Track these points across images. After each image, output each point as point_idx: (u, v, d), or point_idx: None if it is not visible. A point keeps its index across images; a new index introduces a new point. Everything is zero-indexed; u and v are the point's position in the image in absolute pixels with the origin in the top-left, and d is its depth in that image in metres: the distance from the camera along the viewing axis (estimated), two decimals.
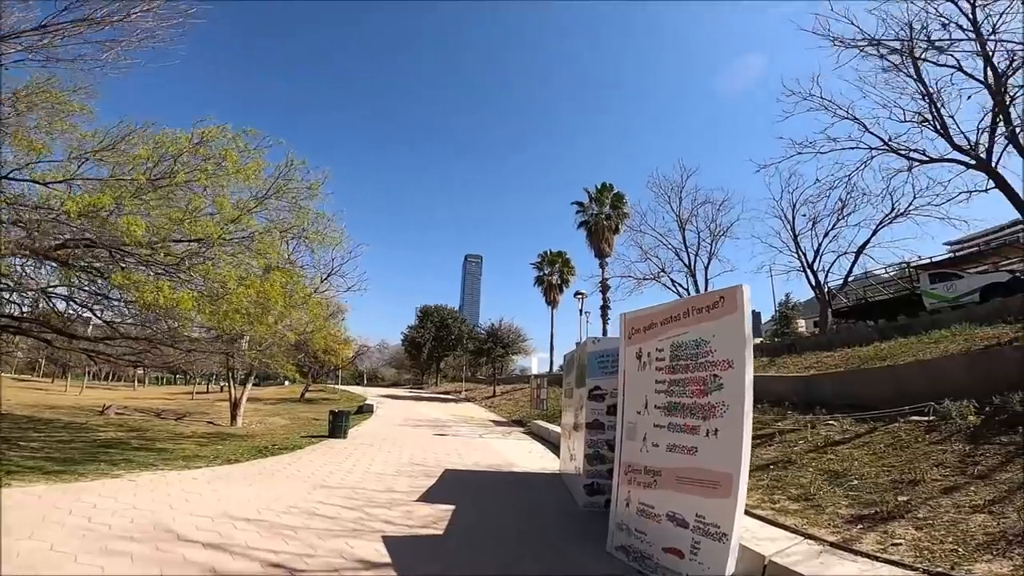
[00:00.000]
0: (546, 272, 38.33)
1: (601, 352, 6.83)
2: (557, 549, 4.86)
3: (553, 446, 12.69)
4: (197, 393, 40.53)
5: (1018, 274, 14.41)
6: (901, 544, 3.72)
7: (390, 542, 4.88)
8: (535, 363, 32.31)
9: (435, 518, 5.86)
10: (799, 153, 13.31)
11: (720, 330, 3.96)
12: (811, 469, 5.98)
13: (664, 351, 4.49)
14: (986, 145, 10.65)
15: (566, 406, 9.38)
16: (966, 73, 9.85)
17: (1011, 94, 9.32)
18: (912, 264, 18.12)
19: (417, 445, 12.64)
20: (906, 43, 9.85)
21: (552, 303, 37.38)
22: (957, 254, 16.55)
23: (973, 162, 10.98)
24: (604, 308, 30.39)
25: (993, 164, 10.65)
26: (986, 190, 11.19)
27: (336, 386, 42.39)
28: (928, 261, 17.58)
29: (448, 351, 50.14)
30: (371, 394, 36.05)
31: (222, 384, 33.96)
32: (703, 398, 3.97)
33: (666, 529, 4.04)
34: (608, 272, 29.90)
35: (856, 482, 5.17)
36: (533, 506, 6.67)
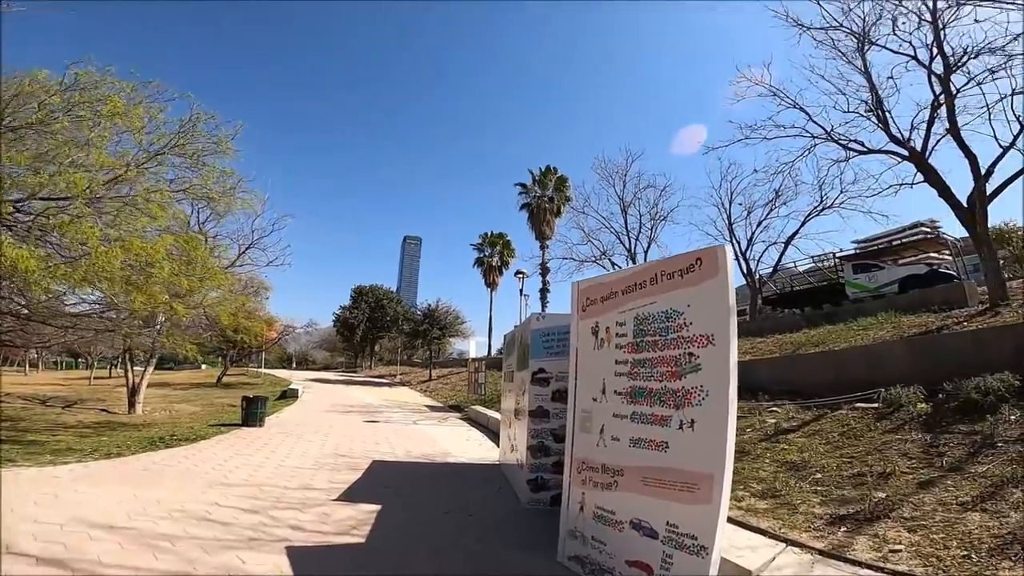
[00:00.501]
0: (486, 253, 37.63)
1: (547, 330, 6.04)
2: (500, 559, 4.04)
3: (492, 433, 11.97)
4: (96, 378, 36.22)
5: (935, 267, 15.24)
6: (901, 550, 3.21)
7: (296, 555, 3.93)
8: (473, 347, 31.52)
9: (357, 522, 4.91)
10: (747, 137, 13.27)
11: (697, 299, 3.23)
12: (767, 460, 5.55)
13: (626, 325, 3.72)
14: (922, 139, 10.90)
15: (506, 391, 8.59)
16: (918, 61, 9.90)
17: (957, 86, 9.44)
18: (836, 254, 18.91)
19: (344, 433, 11.51)
20: (865, 28, 9.79)
21: (491, 285, 36.77)
22: (864, 250, 17.41)
23: (907, 154, 11.21)
24: (544, 291, 30.09)
25: (926, 157, 10.93)
26: (912, 184, 11.53)
27: (259, 370, 39.51)
28: (852, 252, 18.38)
29: (383, 333, 48.17)
30: (298, 378, 33.93)
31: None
32: (675, 382, 3.24)
33: (630, 539, 3.31)
34: (549, 254, 29.56)
35: (819, 475, 4.74)
36: (471, 504, 5.83)
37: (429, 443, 10.66)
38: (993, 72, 9.09)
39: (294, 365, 63.97)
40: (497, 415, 11.27)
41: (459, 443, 10.88)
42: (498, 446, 9.40)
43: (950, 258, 15.80)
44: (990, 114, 9.42)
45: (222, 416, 14.45)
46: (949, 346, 6.96)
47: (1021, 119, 9.51)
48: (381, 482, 6.80)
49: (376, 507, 5.42)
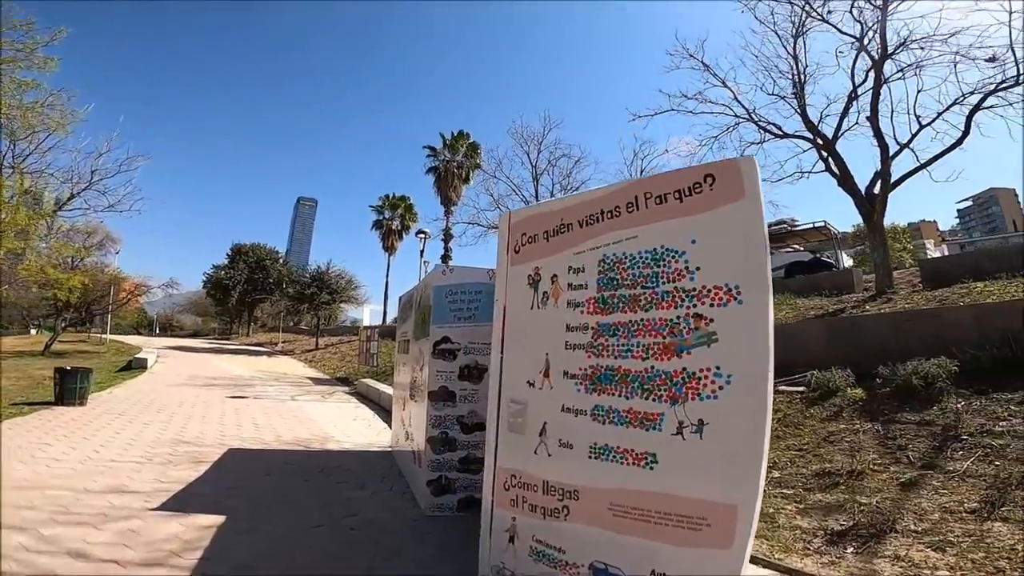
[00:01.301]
0: (386, 216, 35.09)
1: (456, 287, 4.66)
2: None
3: (384, 411, 10.36)
4: None
5: (817, 255, 16.22)
6: None
7: None
8: (367, 314, 29.12)
9: (180, 545, 3.27)
10: (673, 109, 12.82)
11: (708, 231, 2.06)
12: None
13: (586, 272, 2.46)
14: (833, 128, 11.08)
15: (399, 364, 7.09)
16: (858, 40, 9.79)
17: (886, 76, 9.47)
18: None
19: (196, 413, 9.20)
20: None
21: (390, 249, 34.43)
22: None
23: (820, 143, 11.34)
24: (445, 257, 28.51)
25: (835, 145, 11.14)
26: (809, 173, 11.84)
27: (104, 336, 33.34)
28: None
29: (265, 296, 43.27)
30: (156, 345, 29.00)
31: None
32: (670, 360, 2.05)
33: None
34: (454, 220, 28.01)
35: (777, 474, 3.98)
36: (354, 511, 4.33)
37: (307, 424, 8.84)
38: (920, 66, 9.26)
39: (157, 331, 55.90)
40: (390, 390, 9.72)
41: (344, 424, 9.18)
42: (391, 427, 7.92)
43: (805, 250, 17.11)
44: (892, 111, 9.72)
45: (38, 392, 11.19)
46: (867, 329, 6.77)
47: (921, 119, 9.93)
48: (233, 480, 5.04)
49: (217, 519, 3.82)
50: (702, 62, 12.39)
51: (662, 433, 2.01)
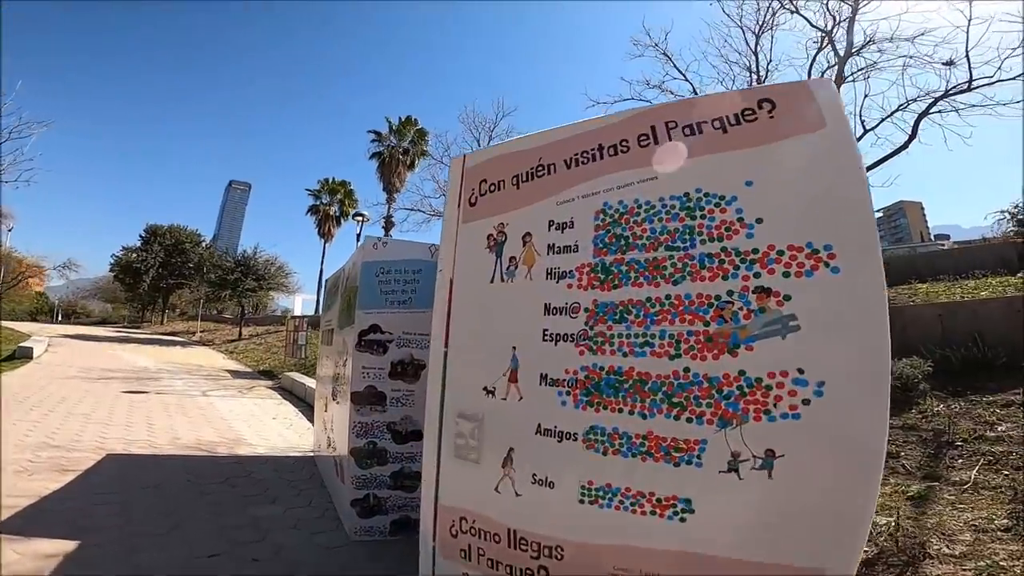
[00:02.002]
0: (324, 201, 33.02)
1: (389, 264, 3.77)
2: None
3: (311, 409, 9.14)
4: None
5: None
6: None
7: None
8: (299, 304, 26.90)
9: None
10: (633, 98, 12.39)
11: (774, 168, 1.35)
12: None
13: (578, 228, 1.68)
14: None
15: (322, 357, 6.06)
16: (827, 34, 9.67)
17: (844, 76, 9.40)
18: None
19: (78, 411, 7.60)
20: None
21: (326, 236, 32.38)
22: None
23: None
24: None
25: None
26: None
27: None
28: None
29: (183, 282, 39.51)
30: (52, 333, 25.59)
31: None
32: (714, 360, 1.32)
33: None
34: (396, 207, 26.69)
35: None
36: (260, 535, 3.40)
37: (215, 424, 7.52)
38: (873, 68, 9.26)
39: (59, 318, 50.02)
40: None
41: (261, 424, 7.93)
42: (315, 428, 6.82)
43: None
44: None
45: None
46: None
47: (865, 123, 10.03)
48: (104, 494, 3.97)
49: (67, 546, 2.90)
50: (664, 52, 12.04)
51: (702, 469, 1.29)
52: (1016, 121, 8.33)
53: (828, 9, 9.47)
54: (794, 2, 9.69)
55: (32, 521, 3.26)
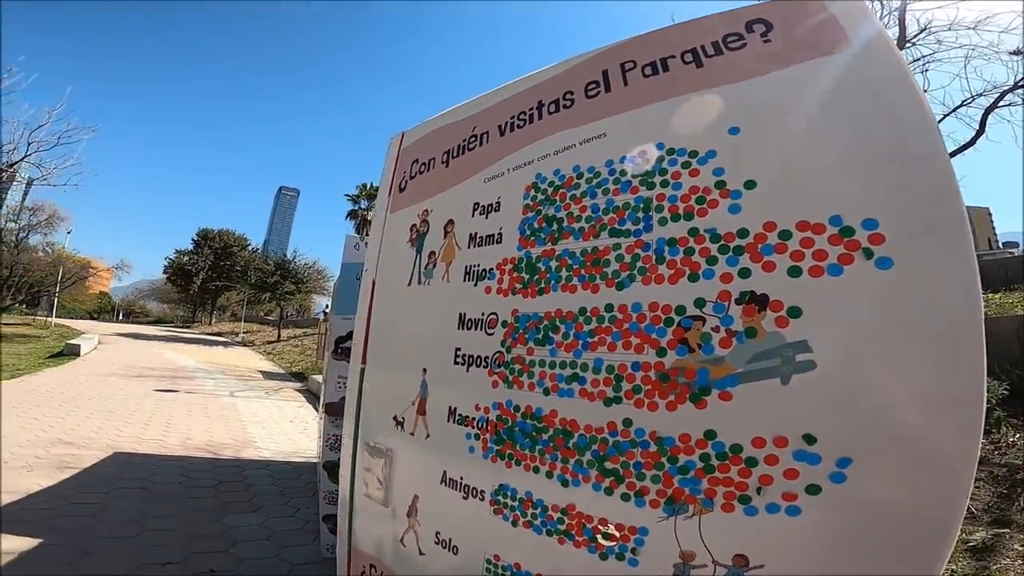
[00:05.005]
0: (362, 206, 33.54)
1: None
2: None
3: None
4: None
5: None
6: None
7: None
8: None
9: None
10: None
11: (772, 106, 0.85)
12: None
13: (504, 211, 1.21)
14: None
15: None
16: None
17: None
18: None
19: (104, 408, 7.81)
20: None
21: None
22: None
23: None
24: None
25: None
26: None
27: (50, 319, 31.27)
28: None
29: (230, 285, 41.21)
30: (106, 331, 27.18)
31: None
32: (668, 410, 0.82)
33: None
34: None
35: None
36: (228, 545, 3.33)
37: (230, 425, 7.54)
38: (932, 60, 8.30)
39: (119, 317, 53.42)
40: None
41: (276, 426, 7.90)
42: None
43: None
44: None
45: None
46: None
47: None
48: (92, 493, 4.01)
49: (29, 543, 2.97)
50: None
51: (637, 569, 0.81)
52: None
53: None
54: None
55: (6, 518, 3.28)
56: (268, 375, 15.84)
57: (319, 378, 12.54)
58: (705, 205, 0.86)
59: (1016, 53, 8.41)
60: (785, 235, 0.78)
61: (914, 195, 0.72)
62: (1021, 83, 8.13)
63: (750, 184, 0.84)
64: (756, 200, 0.82)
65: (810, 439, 0.71)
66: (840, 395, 0.72)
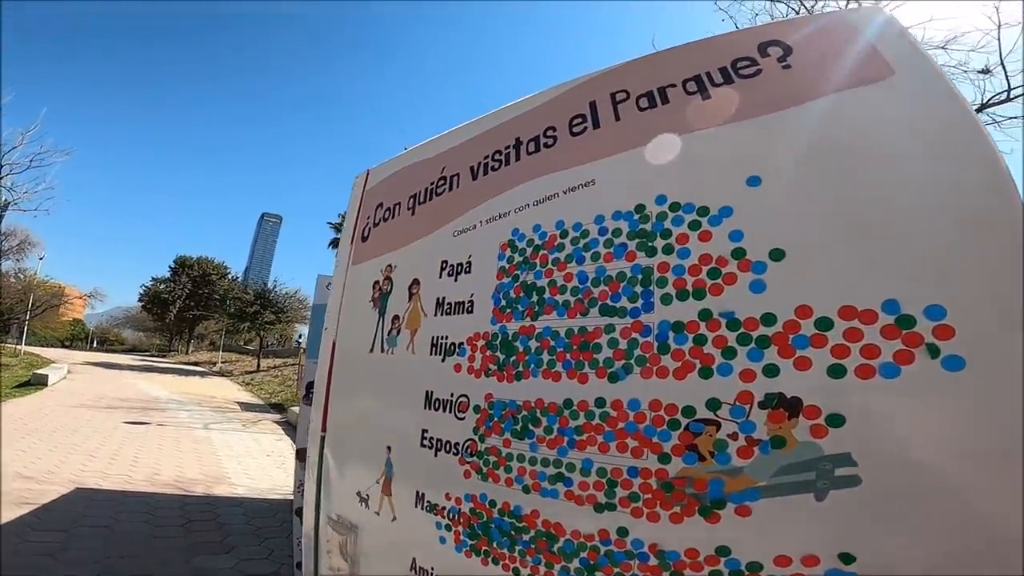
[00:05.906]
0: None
1: None
2: None
3: None
4: None
5: None
6: None
7: None
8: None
9: None
10: None
11: (800, 150, 0.69)
12: None
13: (475, 272, 1.05)
14: None
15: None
16: None
17: None
18: None
19: (69, 441, 7.44)
20: None
21: None
22: None
23: None
24: None
25: None
26: None
27: (19, 347, 30.16)
28: None
29: (208, 313, 40.29)
30: (77, 360, 26.24)
31: None
32: (672, 522, 0.66)
33: None
34: None
35: None
36: None
37: (204, 460, 7.19)
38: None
39: (92, 345, 51.75)
40: None
41: (252, 461, 7.54)
42: None
43: None
44: None
45: None
46: None
47: None
48: (48, 531, 3.82)
49: None
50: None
51: None
52: None
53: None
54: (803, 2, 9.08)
55: None
56: (246, 406, 15.29)
57: (299, 410, 12.13)
58: (720, 280, 0.70)
59: (985, 72, 8.65)
60: (825, 324, 0.62)
61: (992, 274, 0.56)
62: (989, 102, 8.35)
63: (777, 254, 0.68)
64: (785, 275, 0.66)
65: (847, 559, 0.55)
66: (891, 514, 0.55)
